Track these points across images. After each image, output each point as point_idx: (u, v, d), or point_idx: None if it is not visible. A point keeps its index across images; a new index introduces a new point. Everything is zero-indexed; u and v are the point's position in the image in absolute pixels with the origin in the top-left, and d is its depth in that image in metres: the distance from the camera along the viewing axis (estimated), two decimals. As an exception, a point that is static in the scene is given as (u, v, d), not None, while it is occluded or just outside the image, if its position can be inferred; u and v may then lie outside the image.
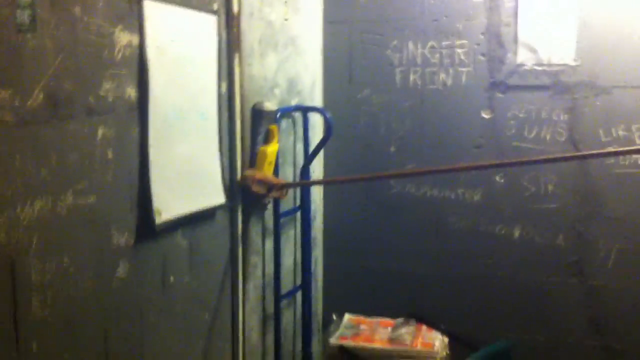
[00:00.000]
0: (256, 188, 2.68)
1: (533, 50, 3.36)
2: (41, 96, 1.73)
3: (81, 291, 1.90)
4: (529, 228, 3.47)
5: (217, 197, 2.54)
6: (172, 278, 2.32)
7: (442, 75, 3.46)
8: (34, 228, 1.72)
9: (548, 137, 3.39)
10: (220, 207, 2.58)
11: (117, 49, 2.00)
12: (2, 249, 1.62)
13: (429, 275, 3.59)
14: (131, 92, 2.06)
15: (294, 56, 3.20)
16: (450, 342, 3.15)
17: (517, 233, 3.48)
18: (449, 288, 3.57)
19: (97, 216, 1.94)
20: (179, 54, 2.28)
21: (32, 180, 1.71)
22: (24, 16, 1.68)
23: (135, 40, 2.07)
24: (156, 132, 2.14)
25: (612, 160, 3.34)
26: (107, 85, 1.96)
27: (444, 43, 3.43)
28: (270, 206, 2.95)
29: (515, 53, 3.38)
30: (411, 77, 3.50)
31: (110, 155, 1.98)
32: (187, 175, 2.35)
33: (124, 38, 2.03)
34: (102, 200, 1.95)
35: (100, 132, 1.94)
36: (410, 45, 3.48)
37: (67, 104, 1.82)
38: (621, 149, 3.22)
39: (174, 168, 2.27)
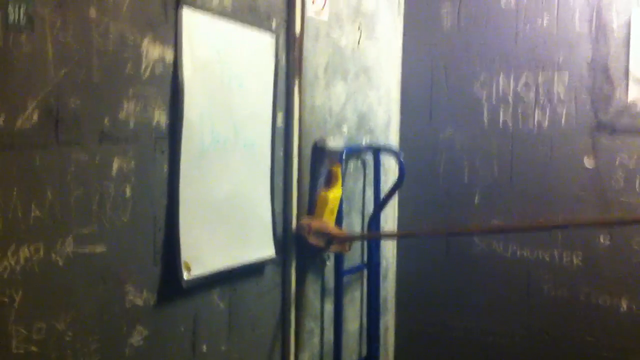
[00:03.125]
0: (313, 240, 2.25)
1: (648, 88, 2.84)
2: (36, 114, 1.36)
3: (81, 364, 1.49)
4: (640, 300, 2.89)
5: (266, 248, 2.12)
6: (204, 347, 1.90)
7: (538, 115, 2.97)
8: (17, 282, 1.33)
9: (664, 191, 2.83)
10: (269, 261, 2.15)
11: (144, 64, 1.63)
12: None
13: (517, 347, 3.03)
14: (160, 116, 1.68)
15: (366, 88, 2.79)
16: None
17: (625, 305, 2.90)
18: (541, 366, 3.00)
19: (106, 269, 1.54)
20: (225, 73, 1.89)
21: (19, 220, 1.33)
22: (17, 12, 1.33)
23: (169, 54, 1.70)
24: (190, 166, 1.75)
25: None
26: (129, 107, 1.58)
27: (541, 77, 2.95)
28: (331, 262, 2.50)
29: (625, 90, 2.85)
30: (501, 117, 3.02)
31: (128, 193, 1.59)
32: (227, 221, 1.94)
33: (155, 51, 1.66)
34: (115, 249, 1.56)
35: (116, 163, 1.55)
36: (501, 79, 3.01)
37: (73, 126, 1.44)
38: None
39: (211, 212, 1.86)
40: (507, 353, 3.04)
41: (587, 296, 2.93)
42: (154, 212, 1.68)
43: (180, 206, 1.72)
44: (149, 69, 1.64)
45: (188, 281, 1.75)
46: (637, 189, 2.85)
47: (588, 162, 2.91)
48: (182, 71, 1.71)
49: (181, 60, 1.71)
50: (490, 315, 3.06)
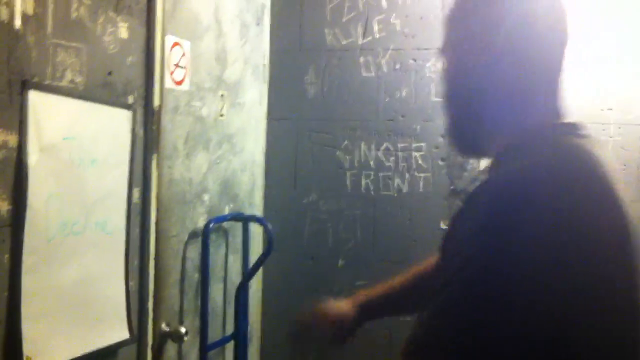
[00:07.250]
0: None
1: (498, 156, 3.02)
2: None
3: None
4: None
5: (119, 331, 2.05)
6: None
7: (398, 181, 3.08)
8: None
9: (514, 252, 3.00)
10: (123, 342, 2.07)
11: (-16, 151, 1.55)
12: None
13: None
14: (1, 204, 1.60)
15: (229, 155, 2.79)
16: None
17: None
18: None
19: None
20: (76, 154, 1.83)
21: None
22: None
23: (12, 140, 1.62)
24: (34, 255, 1.67)
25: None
26: (-36, 198, 1.50)
27: (400, 145, 3.07)
28: (190, 336, 2.45)
29: (478, 158, 3.02)
30: (363, 182, 3.11)
31: (-39, 290, 1.50)
32: (77, 308, 1.86)
33: (-4, 137, 1.58)
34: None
35: (-52, 259, 1.46)
36: (363, 145, 3.10)
37: None
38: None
39: (58, 301, 1.77)
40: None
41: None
42: (-7, 307, 1.59)
43: (22, 298, 1.63)
44: (-11, 157, 1.56)
45: (30, 377, 1.66)
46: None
47: (445, 225, 3.04)
48: (27, 157, 1.64)
49: (26, 146, 1.64)
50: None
